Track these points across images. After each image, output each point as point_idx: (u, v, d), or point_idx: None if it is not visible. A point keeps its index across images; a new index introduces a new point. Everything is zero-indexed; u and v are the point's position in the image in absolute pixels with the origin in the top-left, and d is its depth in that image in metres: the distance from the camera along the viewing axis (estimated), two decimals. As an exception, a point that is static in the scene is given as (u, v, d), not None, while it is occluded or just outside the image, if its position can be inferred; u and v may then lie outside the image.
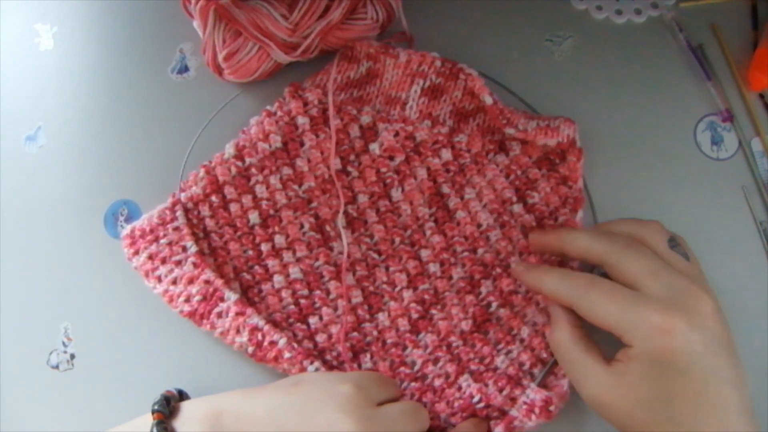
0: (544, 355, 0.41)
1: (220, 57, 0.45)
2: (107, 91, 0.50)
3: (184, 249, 0.44)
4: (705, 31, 0.49)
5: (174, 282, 0.43)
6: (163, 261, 0.44)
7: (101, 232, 0.47)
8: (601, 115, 0.47)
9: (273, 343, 0.41)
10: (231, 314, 0.42)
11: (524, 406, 0.39)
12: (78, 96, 0.51)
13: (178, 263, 0.43)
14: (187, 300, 0.43)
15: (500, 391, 0.40)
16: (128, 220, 0.47)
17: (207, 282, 0.43)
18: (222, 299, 0.42)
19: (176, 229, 0.44)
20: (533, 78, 0.48)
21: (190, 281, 0.43)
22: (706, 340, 0.33)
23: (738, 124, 0.47)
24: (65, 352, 0.45)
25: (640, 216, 0.40)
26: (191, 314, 0.42)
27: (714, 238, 0.44)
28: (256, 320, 0.42)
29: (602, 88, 0.48)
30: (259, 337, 0.41)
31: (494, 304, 0.42)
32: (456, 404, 0.41)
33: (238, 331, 0.42)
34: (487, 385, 0.41)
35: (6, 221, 0.48)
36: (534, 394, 0.39)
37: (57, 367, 0.45)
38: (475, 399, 0.40)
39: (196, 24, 0.47)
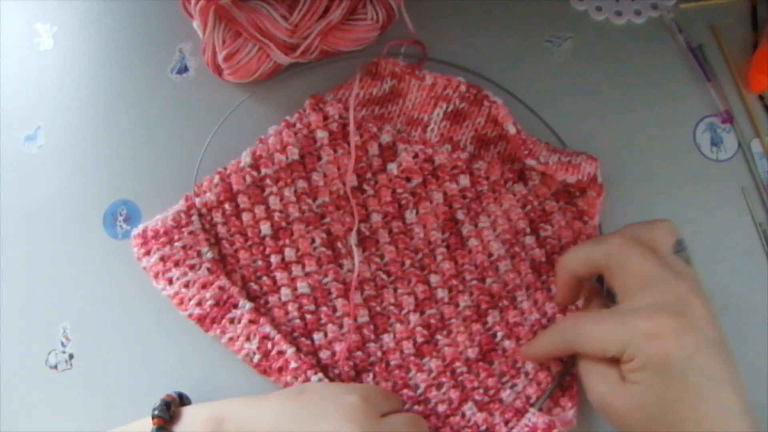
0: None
1: (220, 57, 0.45)
2: (107, 91, 0.50)
3: (199, 254, 0.43)
4: (705, 32, 0.49)
5: (186, 285, 0.43)
6: (176, 264, 0.43)
7: (100, 232, 0.47)
8: (601, 116, 0.47)
9: (281, 353, 0.41)
10: (244, 321, 0.42)
11: (525, 429, 0.39)
12: (77, 96, 0.51)
13: (192, 267, 0.43)
14: (199, 304, 0.42)
15: (506, 423, 0.40)
16: (127, 220, 0.47)
17: (221, 288, 0.43)
18: (235, 306, 0.42)
19: (192, 233, 0.44)
20: (532, 79, 0.48)
21: (204, 286, 0.43)
22: (700, 342, 0.33)
23: (738, 125, 0.47)
24: (64, 352, 0.45)
25: (640, 217, 0.40)
26: (201, 318, 0.42)
27: (714, 239, 0.44)
28: (268, 329, 0.42)
29: (601, 89, 0.48)
30: (269, 346, 0.41)
31: (499, 334, 0.42)
32: None
33: (248, 339, 0.42)
34: (492, 415, 0.40)
35: (5, 221, 0.48)
36: (535, 418, 0.39)
37: (56, 367, 0.45)
38: (482, 429, 0.40)
39: (195, 24, 0.47)
